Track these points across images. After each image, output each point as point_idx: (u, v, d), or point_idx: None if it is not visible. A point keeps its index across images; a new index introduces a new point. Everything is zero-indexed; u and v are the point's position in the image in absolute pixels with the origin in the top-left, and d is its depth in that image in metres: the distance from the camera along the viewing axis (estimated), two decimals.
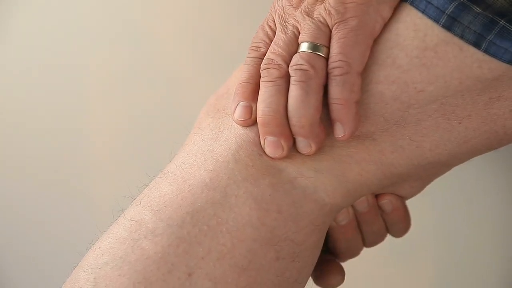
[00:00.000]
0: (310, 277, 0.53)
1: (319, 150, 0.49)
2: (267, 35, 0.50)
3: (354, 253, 0.58)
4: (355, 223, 0.56)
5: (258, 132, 0.49)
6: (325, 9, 0.48)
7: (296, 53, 0.48)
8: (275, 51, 0.49)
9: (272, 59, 0.48)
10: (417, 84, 0.48)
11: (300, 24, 0.48)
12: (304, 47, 0.48)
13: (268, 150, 0.49)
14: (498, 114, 0.49)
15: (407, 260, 0.84)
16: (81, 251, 0.51)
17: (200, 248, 0.47)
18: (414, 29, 0.47)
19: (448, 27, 0.47)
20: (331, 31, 0.48)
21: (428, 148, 0.51)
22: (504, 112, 0.49)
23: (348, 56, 0.47)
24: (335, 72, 0.47)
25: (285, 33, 0.49)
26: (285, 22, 0.49)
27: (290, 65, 0.48)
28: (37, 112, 0.87)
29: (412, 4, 0.48)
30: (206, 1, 0.86)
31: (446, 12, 0.46)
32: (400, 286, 0.86)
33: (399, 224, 0.58)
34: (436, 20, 0.47)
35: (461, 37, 0.47)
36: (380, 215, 0.57)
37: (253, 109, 0.49)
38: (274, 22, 0.50)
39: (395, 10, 0.48)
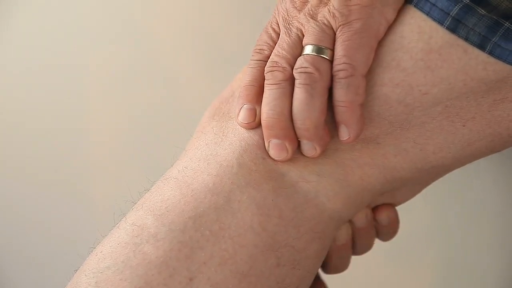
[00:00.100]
0: None
1: (323, 153, 0.49)
2: (271, 37, 0.50)
3: (343, 268, 0.58)
4: (350, 243, 0.56)
5: (263, 135, 0.49)
6: (329, 11, 0.47)
7: (300, 55, 0.48)
8: (279, 53, 0.48)
9: (276, 62, 0.48)
10: (421, 86, 0.48)
11: (304, 27, 0.48)
12: (308, 49, 0.47)
13: (272, 153, 0.49)
14: (502, 116, 0.49)
15: (406, 260, 0.84)
16: (81, 253, 0.51)
17: (202, 253, 0.47)
18: (419, 32, 0.47)
19: (452, 29, 0.46)
20: (335, 34, 0.47)
21: (432, 151, 0.51)
22: (508, 114, 0.49)
23: (353, 58, 0.46)
24: (340, 74, 0.47)
25: (289, 36, 0.49)
26: (289, 25, 0.49)
27: (294, 67, 0.48)
28: (37, 112, 0.87)
29: (416, 6, 0.47)
30: (206, 1, 0.86)
31: (451, 14, 0.46)
32: (400, 286, 0.86)
33: (391, 233, 0.59)
34: (440, 22, 0.47)
35: (466, 39, 0.46)
36: (374, 226, 0.57)
37: (257, 112, 0.49)
38: (278, 24, 0.50)
39: (399, 12, 0.48)
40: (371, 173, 0.51)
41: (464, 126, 0.50)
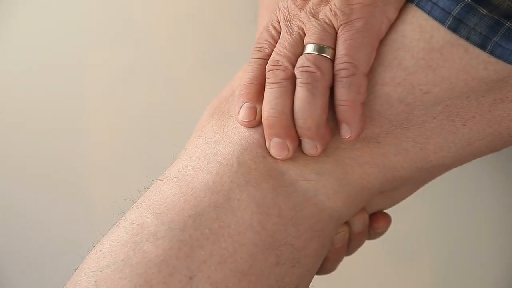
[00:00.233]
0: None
1: (324, 152, 0.49)
2: (272, 35, 0.50)
3: (334, 269, 0.59)
4: (346, 244, 0.57)
5: (263, 134, 0.49)
6: (331, 10, 0.47)
7: (301, 54, 0.48)
8: (280, 52, 0.48)
9: (277, 61, 0.48)
10: (422, 85, 0.48)
11: (305, 25, 0.48)
12: (309, 48, 0.47)
13: (273, 151, 0.49)
14: (502, 115, 0.49)
15: (405, 260, 0.84)
16: (81, 252, 0.51)
17: (202, 251, 0.47)
18: (420, 31, 0.47)
19: (454, 28, 0.46)
20: (336, 33, 0.47)
21: (432, 151, 0.51)
22: (508, 114, 0.49)
23: (354, 57, 0.46)
24: (342, 74, 0.47)
25: (291, 34, 0.49)
26: (290, 23, 0.49)
27: (296, 66, 0.48)
28: (37, 112, 0.87)
29: (418, 5, 0.47)
30: (206, 1, 0.86)
31: (452, 13, 0.46)
32: (399, 286, 0.86)
33: (380, 235, 0.60)
34: (442, 22, 0.47)
35: (467, 38, 0.46)
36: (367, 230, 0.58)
37: (258, 110, 0.49)
38: (279, 22, 0.50)
39: (401, 11, 0.48)
40: (371, 172, 0.51)
41: (464, 125, 0.50)
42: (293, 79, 0.48)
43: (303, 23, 0.48)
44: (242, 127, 0.50)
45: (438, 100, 0.48)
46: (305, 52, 0.48)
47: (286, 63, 0.48)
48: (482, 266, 0.83)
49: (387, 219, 0.59)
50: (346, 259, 0.60)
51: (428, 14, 0.47)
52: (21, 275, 0.88)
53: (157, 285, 0.46)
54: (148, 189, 0.51)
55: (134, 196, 0.52)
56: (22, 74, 0.87)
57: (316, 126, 0.47)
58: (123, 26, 0.87)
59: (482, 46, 0.46)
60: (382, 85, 0.48)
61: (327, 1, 0.48)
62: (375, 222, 0.58)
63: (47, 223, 0.88)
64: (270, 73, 0.48)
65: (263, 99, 0.49)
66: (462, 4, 0.46)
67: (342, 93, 0.47)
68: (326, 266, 0.57)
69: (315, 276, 0.56)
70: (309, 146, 0.49)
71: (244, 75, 0.51)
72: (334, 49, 0.47)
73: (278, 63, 0.48)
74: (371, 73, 0.48)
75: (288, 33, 0.49)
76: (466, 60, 0.47)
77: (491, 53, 0.46)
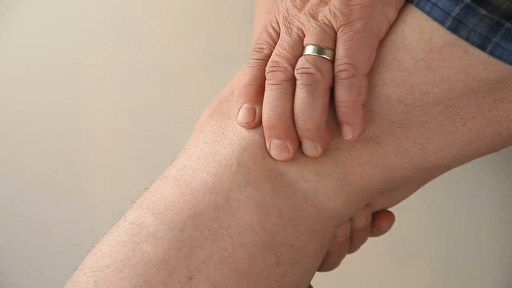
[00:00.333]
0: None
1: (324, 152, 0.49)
2: (271, 36, 0.50)
3: (337, 265, 0.59)
4: (349, 238, 0.57)
5: (263, 135, 0.49)
6: (330, 11, 0.47)
7: (301, 55, 0.48)
8: (280, 53, 0.48)
9: (277, 62, 0.48)
10: (422, 86, 0.48)
11: (305, 26, 0.48)
12: (309, 50, 0.47)
13: (273, 153, 0.49)
14: (502, 116, 0.49)
15: (405, 259, 0.84)
16: (80, 252, 0.51)
17: (201, 251, 0.47)
18: (420, 31, 0.47)
19: (453, 29, 0.46)
20: (336, 34, 0.47)
21: (432, 151, 0.51)
22: (508, 114, 0.49)
23: (354, 58, 0.46)
24: (342, 75, 0.47)
25: (290, 35, 0.48)
26: (289, 24, 0.49)
27: (295, 68, 0.48)
28: (37, 112, 0.87)
29: (417, 6, 0.47)
30: (206, 1, 0.86)
31: (452, 14, 0.46)
32: (399, 286, 0.86)
33: (382, 233, 0.60)
34: (441, 23, 0.46)
35: (467, 39, 0.46)
36: (370, 227, 0.58)
37: (257, 111, 0.49)
38: (278, 23, 0.50)
39: (400, 12, 0.48)
40: (371, 173, 0.51)
41: (464, 125, 0.50)
42: (293, 81, 0.48)
43: (302, 24, 0.48)
44: (242, 127, 0.50)
45: (438, 101, 0.48)
46: (305, 53, 0.48)
47: (285, 65, 0.48)
48: (482, 266, 0.83)
49: (391, 217, 0.59)
50: (346, 258, 0.60)
51: (428, 14, 0.47)
52: (21, 275, 0.88)
53: (157, 285, 0.46)
54: (147, 189, 0.51)
55: (134, 196, 0.52)
56: (22, 74, 0.87)
57: (316, 128, 0.47)
58: (123, 26, 0.87)
59: (482, 47, 0.46)
60: (382, 85, 0.48)
61: (326, 2, 0.48)
62: (379, 221, 0.58)
63: (47, 223, 0.88)
64: (269, 75, 0.48)
65: (262, 100, 0.49)
66: (462, 5, 0.46)
67: (342, 95, 0.47)
68: (329, 261, 0.57)
69: (316, 275, 0.56)
70: (309, 147, 0.49)
71: (243, 75, 0.51)
72: (334, 50, 0.47)
73: (277, 64, 0.48)
74: (371, 74, 0.48)
75: (288, 34, 0.49)
76: (466, 61, 0.47)
77: (491, 53, 0.46)
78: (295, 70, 0.47)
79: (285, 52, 0.48)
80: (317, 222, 0.50)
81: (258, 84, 0.49)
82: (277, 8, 0.50)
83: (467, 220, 0.83)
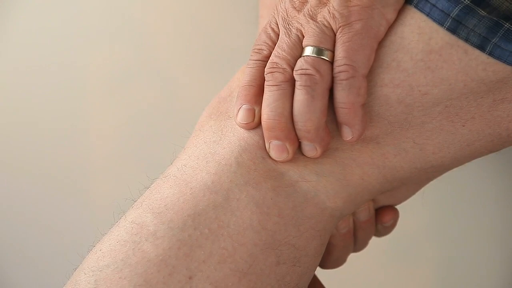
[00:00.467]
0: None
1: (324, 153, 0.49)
2: (270, 37, 0.50)
3: (342, 262, 0.59)
4: (352, 231, 0.57)
5: (262, 135, 0.49)
6: (329, 12, 0.47)
7: (300, 56, 0.48)
8: (279, 54, 0.48)
9: (276, 63, 0.48)
10: (421, 87, 0.48)
11: (304, 28, 0.48)
12: (308, 51, 0.47)
13: (273, 154, 0.49)
14: (501, 116, 0.49)
15: (405, 259, 0.84)
16: (80, 252, 0.51)
17: (201, 251, 0.47)
18: (419, 32, 0.47)
19: (453, 30, 0.46)
20: (335, 35, 0.47)
21: (431, 151, 0.51)
22: (508, 115, 0.49)
23: (354, 59, 0.46)
24: (341, 76, 0.47)
25: (289, 37, 0.49)
26: (288, 25, 0.49)
27: (294, 69, 0.48)
28: (37, 112, 0.87)
29: (416, 7, 0.47)
30: (206, 1, 0.86)
31: (451, 15, 0.46)
32: (399, 286, 0.86)
33: (388, 231, 0.60)
34: (440, 23, 0.46)
35: (466, 40, 0.46)
36: (374, 221, 0.58)
37: (256, 112, 0.49)
38: (277, 24, 0.50)
39: (400, 13, 0.48)
40: (371, 173, 0.51)
41: (463, 126, 0.50)
42: (292, 82, 0.48)
43: (301, 25, 0.48)
44: (241, 128, 0.50)
45: (437, 101, 0.48)
46: (304, 54, 0.48)
47: (285, 66, 0.48)
48: (482, 266, 0.83)
49: (394, 212, 0.58)
50: (347, 258, 0.60)
51: (427, 15, 0.47)
52: (21, 275, 0.88)
53: (157, 285, 0.46)
54: (148, 188, 0.51)
55: (134, 196, 0.52)
56: (22, 74, 0.87)
57: (316, 129, 0.47)
58: (123, 26, 0.87)
59: (481, 47, 0.46)
60: (381, 86, 0.48)
61: (325, 3, 0.48)
62: (382, 216, 0.58)
63: (47, 222, 0.88)
64: (269, 76, 0.48)
65: (261, 101, 0.49)
66: (461, 6, 0.46)
67: (342, 96, 0.47)
68: (334, 256, 0.57)
69: (316, 275, 0.56)
70: (308, 148, 0.49)
71: (242, 76, 0.51)
72: (333, 52, 0.47)
73: (277, 65, 0.48)
74: (370, 75, 0.48)
75: (287, 35, 0.49)
76: (465, 61, 0.47)
77: (490, 54, 0.46)
78: (294, 71, 0.47)
79: (284, 53, 0.48)
80: (318, 222, 0.50)
81: (257, 85, 0.49)
82: (276, 9, 0.50)
83: (467, 220, 0.83)
